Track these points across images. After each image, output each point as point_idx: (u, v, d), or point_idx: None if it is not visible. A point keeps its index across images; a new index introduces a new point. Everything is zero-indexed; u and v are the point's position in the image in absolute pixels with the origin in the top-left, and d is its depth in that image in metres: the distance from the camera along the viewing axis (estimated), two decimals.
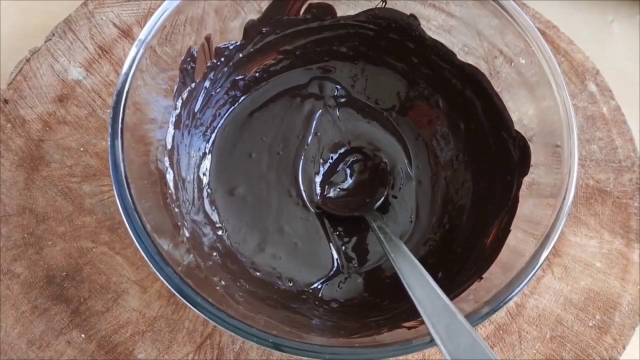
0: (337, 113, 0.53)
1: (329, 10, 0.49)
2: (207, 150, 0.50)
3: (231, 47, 0.47)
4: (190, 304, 0.35)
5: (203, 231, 0.47)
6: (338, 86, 0.53)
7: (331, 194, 0.51)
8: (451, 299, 0.35)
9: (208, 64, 0.46)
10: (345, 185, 0.52)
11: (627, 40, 0.61)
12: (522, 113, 0.45)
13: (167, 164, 0.44)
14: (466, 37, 0.47)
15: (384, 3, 0.48)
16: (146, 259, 0.36)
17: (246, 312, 0.40)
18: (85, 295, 0.47)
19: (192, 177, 0.48)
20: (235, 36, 0.47)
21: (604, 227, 0.51)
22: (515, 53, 0.44)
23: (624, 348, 0.48)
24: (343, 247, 0.50)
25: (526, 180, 0.44)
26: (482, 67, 0.47)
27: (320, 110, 0.52)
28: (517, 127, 0.45)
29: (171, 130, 0.44)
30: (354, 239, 0.50)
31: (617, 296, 0.49)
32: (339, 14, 0.49)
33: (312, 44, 0.51)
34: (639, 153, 0.54)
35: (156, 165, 0.42)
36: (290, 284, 0.48)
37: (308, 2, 0.48)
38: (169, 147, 0.44)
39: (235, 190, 0.50)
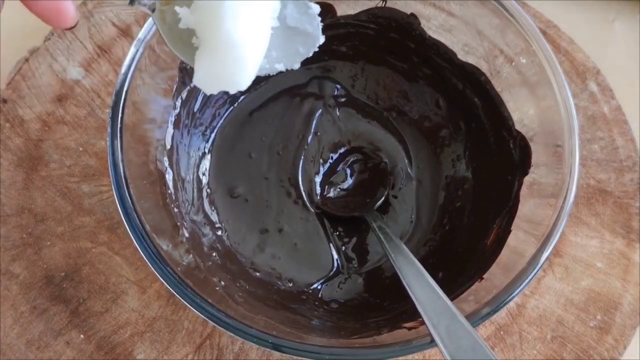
0: (337, 113, 0.53)
1: (329, 9, 0.49)
2: (206, 150, 0.50)
3: None
4: (190, 304, 0.35)
5: (202, 231, 0.47)
6: (338, 86, 0.53)
7: (331, 194, 0.51)
8: (452, 299, 0.35)
9: None
10: (345, 185, 0.52)
11: (628, 39, 0.60)
12: (522, 113, 0.45)
13: (166, 163, 0.43)
14: (466, 36, 0.47)
15: (384, 2, 0.48)
16: (145, 259, 0.36)
17: (246, 313, 0.40)
18: (84, 296, 0.47)
19: (191, 177, 0.48)
20: None
21: (605, 227, 0.51)
22: (515, 52, 0.44)
23: (624, 348, 0.48)
24: (343, 248, 0.49)
25: (527, 180, 0.44)
26: (483, 67, 0.47)
27: (320, 110, 0.52)
28: (518, 126, 0.45)
29: (170, 129, 0.44)
30: (354, 239, 0.50)
31: (618, 296, 0.49)
32: (339, 13, 0.49)
33: None
34: None
35: (155, 165, 0.42)
36: (290, 285, 0.48)
37: None
38: (168, 146, 0.44)
39: (235, 190, 0.50)
